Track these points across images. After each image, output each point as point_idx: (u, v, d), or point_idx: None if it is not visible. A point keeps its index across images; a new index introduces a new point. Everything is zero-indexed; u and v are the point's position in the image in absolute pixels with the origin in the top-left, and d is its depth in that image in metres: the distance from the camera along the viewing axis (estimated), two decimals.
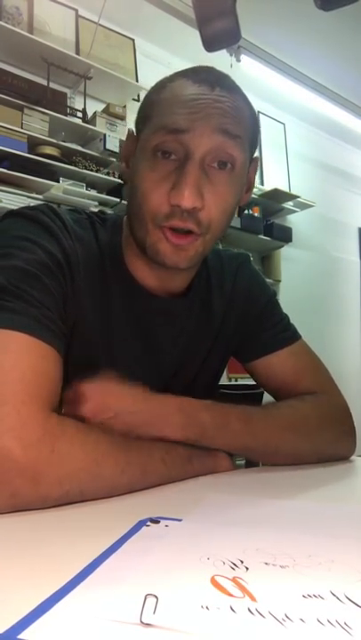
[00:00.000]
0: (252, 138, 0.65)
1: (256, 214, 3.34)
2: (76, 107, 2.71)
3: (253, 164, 0.70)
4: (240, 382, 2.51)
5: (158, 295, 0.70)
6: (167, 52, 3.03)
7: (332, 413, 0.74)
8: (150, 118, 0.62)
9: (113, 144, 2.61)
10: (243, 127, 0.61)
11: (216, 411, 0.61)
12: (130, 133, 0.69)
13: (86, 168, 2.58)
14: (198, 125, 0.58)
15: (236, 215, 3.18)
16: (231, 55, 2.95)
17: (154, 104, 0.63)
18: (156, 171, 0.60)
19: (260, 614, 0.26)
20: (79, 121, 2.65)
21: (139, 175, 0.62)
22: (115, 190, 2.62)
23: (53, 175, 2.49)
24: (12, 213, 0.64)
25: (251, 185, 0.71)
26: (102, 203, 2.57)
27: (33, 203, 2.38)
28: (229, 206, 0.63)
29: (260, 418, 0.66)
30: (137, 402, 0.58)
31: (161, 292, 0.70)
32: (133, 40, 2.98)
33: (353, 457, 0.75)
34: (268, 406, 0.73)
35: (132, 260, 0.68)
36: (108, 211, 2.46)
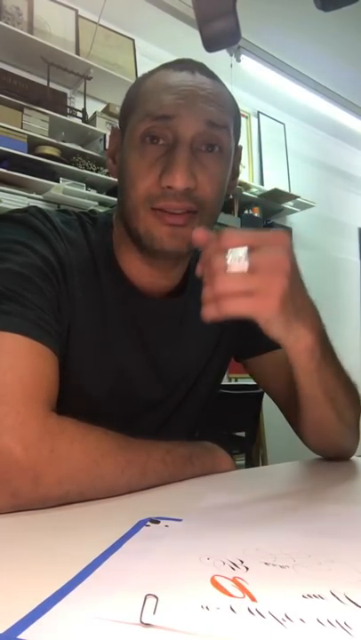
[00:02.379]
0: (235, 123, 0.66)
1: (256, 214, 3.34)
2: (76, 107, 2.71)
3: (238, 152, 0.70)
4: (240, 382, 2.51)
5: (152, 295, 0.70)
6: (167, 52, 3.02)
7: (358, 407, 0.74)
8: (135, 109, 0.63)
9: None
10: (227, 113, 0.63)
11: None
12: (114, 129, 0.70)
13: (86, 168, 2.58)
14: (184, 112, 0.59)
15: (235, 215, 3.20)
16: (231, 55, 2.95)
17: (137, 96, 0.64)
18: (145, 157, 0.60)
19: (261, 614, 0.26)
20: (79, 121, 2.65)
21: (127, 164, 0.62)
22: (115, 190, 2.60)
23: (53, 175, 2.49)
24: (1, 218, 0.64)
25: (236, 173, 0.71)
26: (102, 203, 2.57)
27: (33, 203, 2.39)
28: (221, 187, 0.64)
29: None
30: None
31: (155, 292, 0.70)
32: (133, 40, 2.98)
33: (353, 457, 0.75)
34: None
35: (126, 258, 0.68)
36: (100, 210, 2.46)
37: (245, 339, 0.80)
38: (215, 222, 0.68)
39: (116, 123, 2.79)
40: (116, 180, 0.68)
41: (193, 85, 0.60)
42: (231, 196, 3.16)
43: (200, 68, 0.63)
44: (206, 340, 0.76)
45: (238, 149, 0.70)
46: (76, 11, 2.79)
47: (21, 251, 0.58)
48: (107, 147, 2.59)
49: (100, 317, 0.65)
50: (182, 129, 0.59)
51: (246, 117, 3.56)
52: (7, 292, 0.54)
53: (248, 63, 3.08)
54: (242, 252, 0.45)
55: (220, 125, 0.61)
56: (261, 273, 0.46)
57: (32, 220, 0.62)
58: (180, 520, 0.42)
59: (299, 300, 0.52)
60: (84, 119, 2.66)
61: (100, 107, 2.78)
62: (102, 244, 0.68)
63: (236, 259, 0.45)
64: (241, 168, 0.78)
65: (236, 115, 0.66)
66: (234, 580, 0.30)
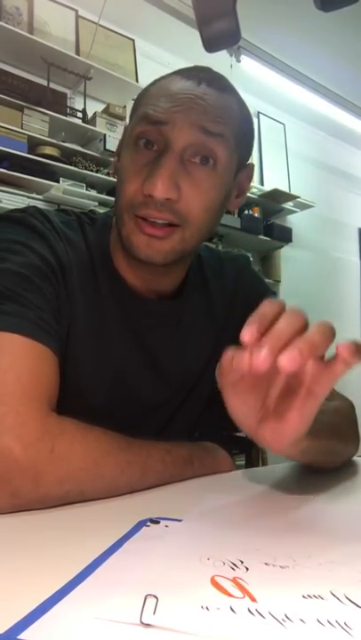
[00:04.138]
0: (241, 140, 0.63)
1: (256, 214, 3.34)
2: (76, 107, 2.71)
3: (246, 170, 0.68)
4: None
5: (148, 296, 0.69)
6: (167, 53, 3.03)
7: (354, 415, 0.74)
8: (136, 110, 0.63)
9: (113, 144, 2.61)
10: (226, 126, 0.60)
11: None
12: (125, 127, 0.69)
13: (86, 168, 2.58)
14: (177, 118, 0.58)
15: (235, 215, 3.20)
16: (231, 55, 2.95)
17: (143, 97, 0.64)
18: (136, 161, 0.60)
19: (261, 615, 0.26)
20: (79, 121, 2.65)
21: (121, 166, 0.62)
22: (115, 190, 2.62)
23: (53, 175, 2.49)
24: (0, 218, 0.64)
25: (242, 191, 0.70)
26: (102, 203, 2.57)
27: (33, 203, 2.39)
28: (212, 204, 0.61)
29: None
30: None
31: (151, 293, 0.69)
32: (133, 40, 2.98)
33: (353, 457, 0.75)
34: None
35: (120, 260, 0.68)
36: (100, 210, 2.46)
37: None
38: (208, 239, 0.66)
39: (117, 123, 2.80)
40: (116, 180, 0.68)
41: (193, 94, 0.58)
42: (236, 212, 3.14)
43: (210, 79, 0.61)
44: (205, 342, 0.76)
45: (248, 167, 0.69)
46: (76, 11, 2.79)
47: (21, 251, 0.58)
48: (112, 147, 2.59)
49: (99, 318, 0.65)
50: (174, 136, 0.57)
51: None
52: (6, 292, 0.54)
53: (248, 63, 3.08)
54: None
55: (214, 133, 0.58)
56: None
57: (31, 220, 0.62)
58: (180, 520, 0.42)
59: None
60: (84, 119, 2.66)
61: (100, 107, 2.78)
62: (100, 245, 0.68)
63: None
64: None
65: (243, 130, 0.64)
66: (234, 580, 0.30)
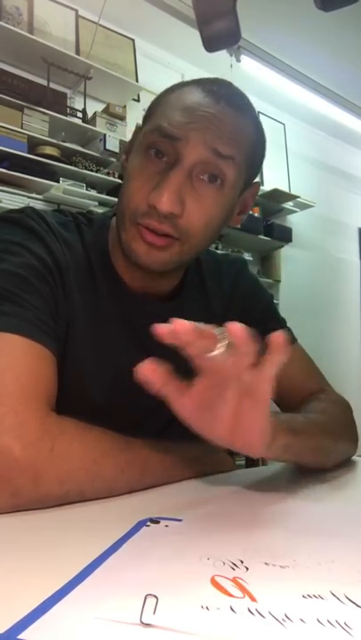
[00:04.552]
0: (252, 160, 0.63)
1: (256, 214, 3.34)
2: (76, 107, 2.71)
3: (253, 188, 0.69)
4: None
5: (145, 297, 0.69)
6: (167, 52, 3.03)
7: (348, 415, 0.75)
8: (151, 117, 0.62)
9: (113, 144, 2.61)
10: (239, 148, 0.60)
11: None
12: (137, 128, 0.68)
13: (86, 168, 2.58)
14: (191, 136, 0.57)
15: None
16: (231, 55, 2.95)
17: (159, 104, 0.63)
18: (145, 169, 0.60)
19: (261, 614, 0.26)
20: (79, 121, 2.65)
21: (129, 171, 0.62)
22: (115, 190, 2.62)
23: (53, 175, 2.49)
24: None
25: (245, 208, 0.70)
26: (102, 203, 2.57)
27: (33, 203, 2.39)
28: (214, 221, 0.62)
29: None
30: None
31: (151, 294, 0.70)
32: (133, 40, 2.98)
33: (353, 457, 0.75)
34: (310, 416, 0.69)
35: (119, 261, 0.68)
36: (100, 210, 2.46)
37: None
38: (202, 252, 0.66)
39: (116, 123, 2.80)
40: (117, 180, 0.68)
41: (209, 112, 0.58)
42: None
43: (230, 97, 0.60)
44: None
45: (254, 186, 0.69)
46: (76, 11, 2.79)
47: (18, 251, 0.58)
48: (112, 146, 2.59)
49: (98, 318, 0.65)
50: (186, 152, 0.57)
51: None
52: (4, 293, 0.54)
53: (248, 63, 3.08)
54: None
55: (225, 156, 0.58)
56: None
57: (28, 221, 0.62)
58: (180, 520, 0.42)
59: None
60: (84, 119, 2.66)
61: (100, 107, 2.78)
62: (98, 246, 0.68)
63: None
64: None
65: (255, 152, 0.64)
66: (234, 580, 0.30)
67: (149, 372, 0.42)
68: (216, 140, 0.58)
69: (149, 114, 0.64)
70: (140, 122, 0.68)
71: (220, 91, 0.60)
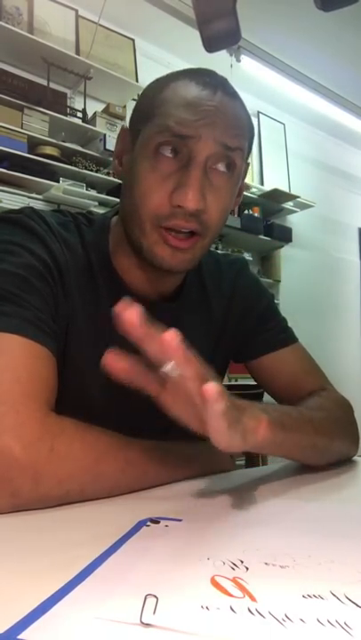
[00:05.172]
0: (249, 143, 0.65)
1: (256, 214, 3.34)
2: (76, 107, 2.71)
3: (245, 169, 0.70)
4: (240, 382, 2.51)
5: (148, 298, 0.69)
6: (167, 52, 3.03)
7: (349, 414, 0.75)
8: (152, 117, 0.61)
9: (113, 144, 2.61)
10: (243, 138, 0.62)
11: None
12: (124, 129, 0.68)
13: (86, 168, 2.58)
14: (202, 133, 0.58)
15: (235, 215, 3.20)
16: (231, 55, 2.95)
17: (156, 103, 0.62)
18: (158, 170, 0.59)
19: (260, 614, 0.26)
20: (79, 121, 2.65)
21: (138, 174, 0.61)
22: (115, 190, 2.62)
23: (53, 175, 2.49)
24: None
25: (241, 190, 0.71)
26: (102, 203, 2.57)
27: (33, 203, 2.39)
28: (227, 209, 0.63)
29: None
30: None
31: (151, 295, 0.69)
32: (133, 40, 2.98)
33: (353, 457, 0.75)
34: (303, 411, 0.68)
35: (122, 261, 0.68)
36: (100, 210, 2.46)
37: (243, 341, 0.81)
38: (220, 238, 0.67)
39: (116, 123, 2.80)
40: (117, 180, 0.68)
41: (212, 106, 0.59)
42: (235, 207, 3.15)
43: (223, 85, 0.61)
44: (203, 344, 0.76)
45: (247, 166, 0.69)
46: (76, 11, 2.79)
47: (17, 252, 0.58)
48: (112, 146, 2.59)
49: (98, 318, 0.65)
50: (199, 148, 0.58)
51: None
52: (4, 293, 0.54)
53: (248, 63, 3.08)
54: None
55: (234, 148, 0.60)
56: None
57: (27, 222, 0.62)
58: (180, 520, 0.42)
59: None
60: (84, 119, 2.66)
61: (100, 107, 2.78)
62: (98, 246, 0.68)
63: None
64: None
65: (250, 135, 0.65)
66: (234, 580, 0.30)
67: (112, 361, 0.43)
68: (224, 135, 0.59)
69: (146, 114, 0.63)
70: (126, 125, 0.67)
71: (213, 81, 0.61)
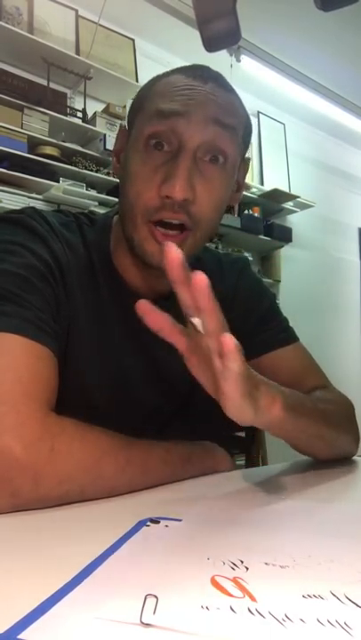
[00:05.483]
0: (244, 136, 0.65)
1: (256, 214, 3.34)
2: (76, 107, 2.71)
3: (244, 165, 0.70)
4: None
5: (149, 297, 0.70)
6: (167, 52, 3.03)
7: (351, 412, 0.75)
8: (143, 108, 0.62)
9: (113, 144, 2.60)
10: (238, 119, 0.61)
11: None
12: (122, 128, 0.69)
13: (86, 168, 2.58)
14: (193, 111, 0.58)
15: (235, 215, 3.20)
16: (231, 55, 2.95)
17: (147, 96, 0.63)
18: (148, 164, 0.60)
19: (261, 614, 0.26)
20: (79, 121, 2.65)
21: (130, 169, 0.62)
22: (115, 190, 2.62)
23: (53, 175, 2.49)
24: None
25: (240, 185, 0.71)
26: (102, 203, 2.57)
27: (33, 203, 2.39)
28: (221, 202, 0.62)
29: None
30: None
31: (152, 294, 0.70)
32: (133, 40, 2.98)
33: (353, 457, 0.75)
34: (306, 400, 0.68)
35: (122, 260, 0.68)
36: (100, 210, 2.46)
37: (244, 341, 0.81)
38: (210, 240, 0.67)
39: (116, 123, 2.80)
40: (117, 180, 0.68)
41: (204, 90, 0.59)
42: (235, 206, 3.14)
43: (215, 78, 0.62)
44: None
45: (245, 162, 0.69)
46: (76, 11, 2.79)
47: (19, 252, 0.58)
48: (112, 146, 2.59)
49: (99, 318, 0.65)
50: (188, 134, 0.58)
51: None
52: (5, 293, 0.54)
53: (248, 63, 3.08)
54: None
55: (227, 125, 0.59)
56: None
57: (29, 222, 0.62)
58: (180, 520, 0.42)
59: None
60: (84, 119, 2.66)
61: (100, 107, 2.78)
62: (100, 246, 0.68)
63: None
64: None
65: (246, 127, 0.65)
66: (234, 580, 0.30)
67: (145, 310, 0.44)
68: (218, 112, 0.59)
69: (138, 108, 0.64)
70: (125, 124, 0.68)
71: (205, 74, 0.62)
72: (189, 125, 0.58)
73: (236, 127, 0.61)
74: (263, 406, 0.47)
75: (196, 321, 0.42)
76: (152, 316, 0.44)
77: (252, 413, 0.46)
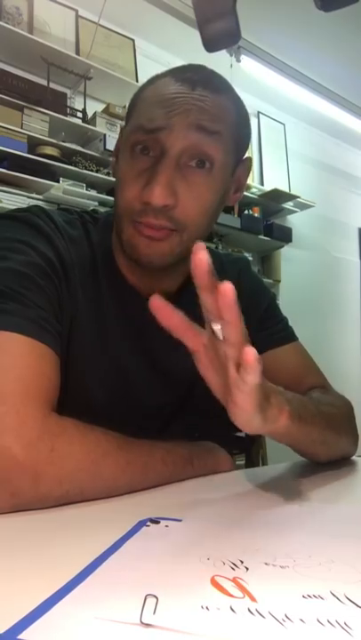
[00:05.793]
0: (238, 138, 0.64)
1: (256, 214, 3.34)
2: (76, 107, 2.71)
3: (243, 164, 0.69)
4: None
5: (149, 295, 0.70)
6: (167, 52, 3.03)
7: (351, 413, 0.75)
8: (131, 116, 0.63)
9: (113, 144, 2.57)
10: (224, 124, 0.60)
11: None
12: (122, 128, 0.69)
13: (86, 168, 2.58)
14: (175, 122, 0.58)
15: (235, 215, 3.20)
16: (231, 55, 2.94)
17: (137, 101, 0.64)
18: (134, 167, 0.60)
19: (260, 615, 0.26)
20: (79, 121, 2.64)
21: (118, 172, 0.63)
22: (114, 191, 2.62)
23: (53, 175, 2.49)
24: (2, 216, 0.64)
25: (240, 185, 0.70)
26: (102, 203, 2.57)
27: (33, 203, 2.38)
28: (209, 206, 0.62)
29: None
30: None
31: (152, 293, 0.70)
32: (133, 40, 2.98)
33: (353, 457, 0.75)
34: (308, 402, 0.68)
35: (121, 259, 0.68)
36: (101, 209, 2.45)
37: (253, 336, 0.81)
38: (203, 239, 0.67)
39: (116, 123, 2.80)
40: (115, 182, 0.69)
41: (187, 98, 0.59)
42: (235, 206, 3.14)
43: (206, 81, 0.61)
44: None
45: (245, 162, 0.69)
46: (76, 11, 2.79)
47: (23, 249, 0.58)
48: (112, 146, 2.60)
49: (101, 317, 0.66)
50: (170, 142, 0.58)
51: None
52: (8, 291, 0.54)
53: (248, 63, 3.07)
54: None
55: (211, 131, 0.58)
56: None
57: (34, 220, 0.62)
58: (180, 520, 0.42)
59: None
60: (84, 119, 2.66)
61: (100, 107, 2.78)
62: (103, 244, 0.68)
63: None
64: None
65: (240, 128, 0.64)
66: (234, 580, 0.30)
67: (159, 306, 0.44)
68: (200, 119, 0.58)
69: (129, 113, 0.65)
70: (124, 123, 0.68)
71: (195, 77, 0.61)
72: (171, 134, 0.58)
73: (221, 132, 0.60)
74: (271, 416, 0.47)
75: (216, 327, 0.42)
76: (165, 312, 0.44)
77: (260, 423, 0.46)
